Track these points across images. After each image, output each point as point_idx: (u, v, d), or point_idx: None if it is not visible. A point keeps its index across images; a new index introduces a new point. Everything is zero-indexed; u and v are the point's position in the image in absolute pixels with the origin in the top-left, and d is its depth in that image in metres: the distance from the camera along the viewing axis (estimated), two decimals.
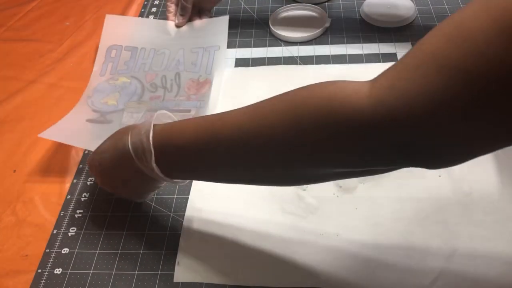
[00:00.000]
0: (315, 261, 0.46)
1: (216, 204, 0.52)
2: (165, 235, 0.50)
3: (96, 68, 0.69)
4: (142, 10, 0.82)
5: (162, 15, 0.80)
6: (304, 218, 0.50)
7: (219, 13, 0.79)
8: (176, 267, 0.47)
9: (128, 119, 0.62)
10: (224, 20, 0.72)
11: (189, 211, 0.51)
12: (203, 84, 0.65)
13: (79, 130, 0.60)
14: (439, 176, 0.51)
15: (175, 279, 0.46)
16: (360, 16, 0.75)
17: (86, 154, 0.59)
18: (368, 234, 0.48)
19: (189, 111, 0.62)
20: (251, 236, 0.49)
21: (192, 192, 0.53)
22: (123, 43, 0.72)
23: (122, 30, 0.73)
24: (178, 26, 0.73)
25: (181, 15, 0.72)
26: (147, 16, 0.80)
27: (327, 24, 0.72)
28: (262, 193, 0.52)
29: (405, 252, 0.46)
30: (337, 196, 0.51)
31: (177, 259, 0.47)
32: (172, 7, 0.74)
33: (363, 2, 0.76)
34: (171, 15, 0.74)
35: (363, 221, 0.49)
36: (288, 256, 0.47)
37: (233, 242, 0.48)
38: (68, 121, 0.61)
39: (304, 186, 0.52)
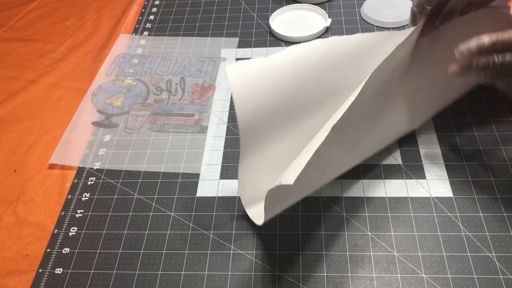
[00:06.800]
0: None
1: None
2: (165, 235, 0.50)
3: (103, 69, 0.71)
4: (143, 10, 0.82)
5: (162, 15, 0.80)
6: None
7: (219, 14, 0.79)
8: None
9: (133, 122, 0.62)
10: (234, 41, 0.73)
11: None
12: (207, 89, 0.66)
13: (84, 141, 0.61)
14: None
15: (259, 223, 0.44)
16: (360, 16, 0.75)
17: (87, 154, 0.59)
18: None
19: (192, 115, 0.62)
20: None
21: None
22: (133, 53, 0.74)
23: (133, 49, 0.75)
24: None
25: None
26: (148, 16, 0.80)
27: (327, 24, 0.72)
28: None
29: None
30: None
31: None
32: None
33: (363, 2, 0.76)
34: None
35: None
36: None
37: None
38: (74, 129, 0.62)
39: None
